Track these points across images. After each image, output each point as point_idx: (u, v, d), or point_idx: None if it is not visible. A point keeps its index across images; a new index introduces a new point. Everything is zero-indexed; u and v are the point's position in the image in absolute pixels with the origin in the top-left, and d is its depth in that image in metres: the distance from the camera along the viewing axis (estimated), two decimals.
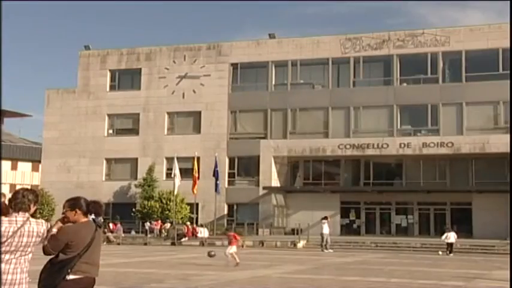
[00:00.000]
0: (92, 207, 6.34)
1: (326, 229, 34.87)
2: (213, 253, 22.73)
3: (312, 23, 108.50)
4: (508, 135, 43.02)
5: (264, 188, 47.14)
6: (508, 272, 22.52)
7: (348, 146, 46.13)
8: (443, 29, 46.87)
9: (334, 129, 47.26)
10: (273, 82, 49.64)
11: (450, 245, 33.18)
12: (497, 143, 43.14)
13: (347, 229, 47.19)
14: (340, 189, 47.95)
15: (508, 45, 43.75)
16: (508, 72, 43.78)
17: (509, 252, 29.89)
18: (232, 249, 22.59)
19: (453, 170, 46.35)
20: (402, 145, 45.09)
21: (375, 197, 47.24)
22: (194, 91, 50.34)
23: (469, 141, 43.91)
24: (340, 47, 47.74)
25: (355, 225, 47.69)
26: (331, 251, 33.97)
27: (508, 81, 43.31)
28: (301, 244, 37.96)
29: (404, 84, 47.05)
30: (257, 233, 45.01)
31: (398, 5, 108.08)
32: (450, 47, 45.50)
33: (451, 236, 33.27)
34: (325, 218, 35.65)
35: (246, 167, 49.59)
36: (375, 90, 46.96)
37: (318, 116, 48.41)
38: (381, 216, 47.59)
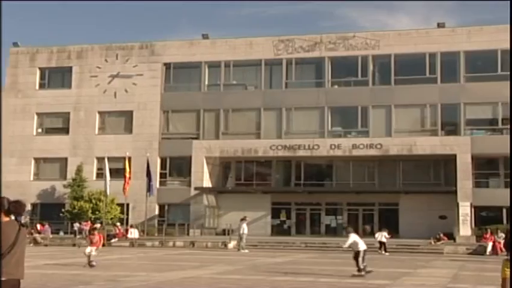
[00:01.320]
0: (12, 206, 6.19)
1: (245, 229, 35.44)
2: (94, 263, 21.71)
3: (246, 24, 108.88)
4: (435, 137, 44.32)
5: (195, 188, 47.02)
6: (434, 270, 23.30)
7: (279, 147, 46.49)
8: (373, 32, 47.76)
9: (266, 130, 47.55)
10: (206, 82, 49.57)
11: (383, 243, 34.64)
12: (423, 145, 44.28)
13: (277, 229, 47.59)
14: (271, 189, 48.32)
15: (434, 50, 45.03)
16: (435, 76, 45.02)
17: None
18: (93, 250, 22.27)
19: (381, 171, 47.29)
20: (333, 146, 45.71)
21: (306, 198, 47.77)
22: (126, 90, 49.83)
23: (397, 143, 44.87)
24: (273, 48, 48.06)
25: (285, 226, 48.08)
26: (246, 251, 34.28)
27: (434, 85, 44.70)
28: (231, 244, 38.02)
29: (336, 86, 47.70)
30: (188, 234, 44.91)
31: (331, 8, 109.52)
32: (380, 50, 46.35)
33: (382, 236, 34.95)
34: (244, 218, 36.26)
35: (177, 167, 49.40)
36: (307, 92, 47.44)
37: (251, 117, 48.64)
38: (311, 217, 48.12)
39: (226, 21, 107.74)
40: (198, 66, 49.35)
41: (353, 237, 20.63)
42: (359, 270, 19.71)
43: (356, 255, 20.02)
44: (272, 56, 47.98)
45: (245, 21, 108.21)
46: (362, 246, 20.24)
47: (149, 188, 43.74)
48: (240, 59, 48.56)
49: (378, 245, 34.65)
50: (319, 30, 66.73)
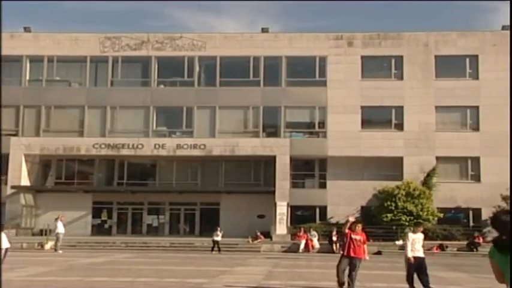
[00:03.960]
0: None
1: (61, 228, 34.86)
2: None
3: (71, 20, 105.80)
4: (256, 139, 45.72)
5: (12, 187, 45.07)
6: (250, 268, 24.12)
7: (103, 146, 45.77)
8: (200, 34, 48.36)
9: (90, 128, 46.64)
10: (27, 77, 47.67)
11: (217, 242, 35.81)
12: (245, 146, 45.51)
13: (98, 229, 46.81)
14: (93, 189, 47.44)
15: (258, 54, 46.43)
16: (258, 79, 46.44)
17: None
18: None
19: (204, 171, 47.97)
20: (157, 146, 45.72)
21: (128, 197, 47.39)
22: None
23: (220, 144, 45.74)
24: (99, 45, 47.19)
25: (106, 225, 47.44)
26: (60, 251, 33.69)
27: (258, 88, 46.12)
28: (49, 245, 36.90)
29: (162, 86, 47.78)
30: None
31: (159, 8, 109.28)
32: (206, 52, 46.98)
33: (218, 235, 36.36)
34: (58, 217, 35.75)
35: None
36: (133, 91, 47.13)
37: (74, 114, 47.49)
38: (133, 216, 47.80)
39: (50, 16, 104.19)
40: (18, 60, 47.30)
41: None
42: None
43: None
44: (98, 53, 47.13)
45: (70, 17, 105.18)
46: (5, 244, 20.28)
47: None
48: (65, 54, 47.20)
49: (212, 244, 36.05)
50: (147, 30, 66.33)
